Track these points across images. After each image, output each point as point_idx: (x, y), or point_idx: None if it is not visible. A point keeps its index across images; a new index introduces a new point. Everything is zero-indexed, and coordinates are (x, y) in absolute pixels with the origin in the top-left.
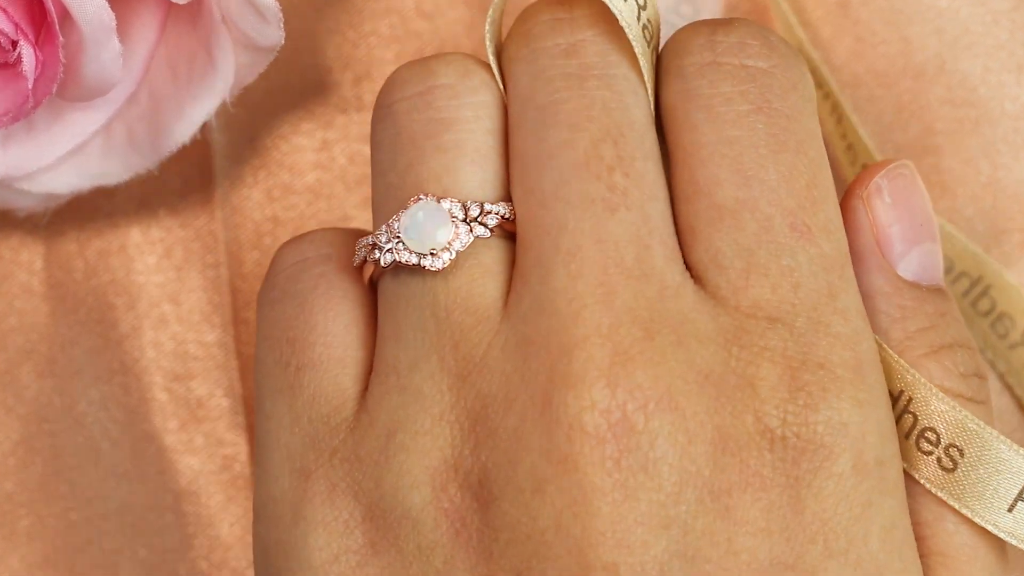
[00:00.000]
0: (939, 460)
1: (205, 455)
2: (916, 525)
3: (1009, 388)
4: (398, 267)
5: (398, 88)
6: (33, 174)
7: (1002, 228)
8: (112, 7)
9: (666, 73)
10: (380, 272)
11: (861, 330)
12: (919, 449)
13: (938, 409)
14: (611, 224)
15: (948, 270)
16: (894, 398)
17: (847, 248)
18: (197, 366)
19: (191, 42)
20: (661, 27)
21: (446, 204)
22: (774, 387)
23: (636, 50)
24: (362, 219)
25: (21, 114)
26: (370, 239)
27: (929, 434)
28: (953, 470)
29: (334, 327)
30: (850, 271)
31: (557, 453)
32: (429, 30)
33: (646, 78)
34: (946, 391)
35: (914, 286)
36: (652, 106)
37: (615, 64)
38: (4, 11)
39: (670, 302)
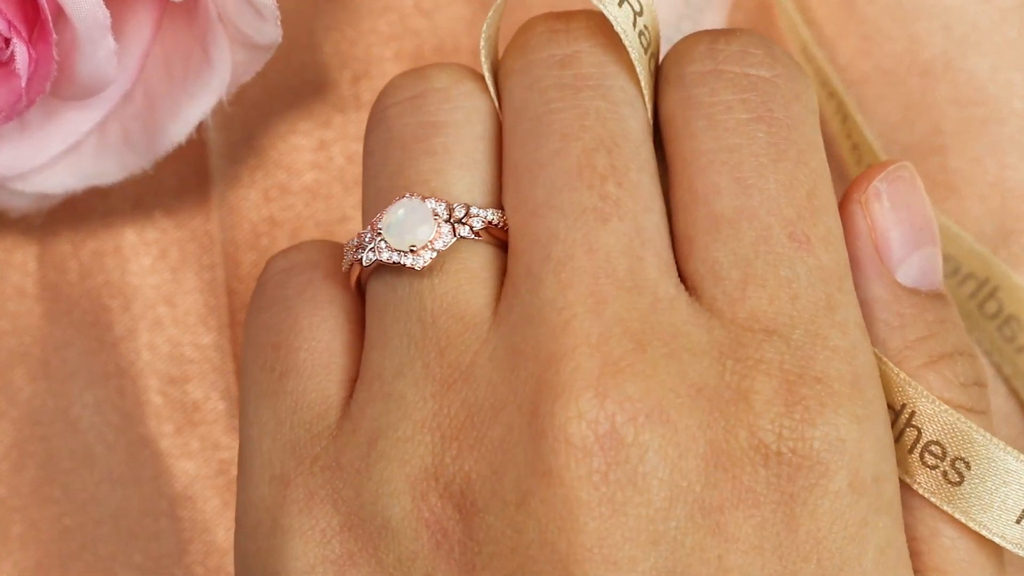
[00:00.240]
0: (945, 474)
1: (201, 459)
2: (911, 540)
3: (1015, 392)
4: (383, 268)
5: (392, 94)
6: (26, 174)
7: (1010, 229)
8: (107, 4)
9: (666, 82)
10: (367, 275)
11: (859, 344)
12: (923, 463)
13: (944, 422)
14: (603, 234)
15: (955, 272)
16: (895, 412)
17: (847, 260)
18: (193, 369)
19: (187, 40)
20: (661, 45)
21: (430, 203)
22: (769, 401)
23: (632, 56)
24: (360, 219)
25: (14, 113)
26: (355, 240)
27: (934, 448)
28: (960, 483)
29: (319, 332)
30: (849, 283)
31: (542, 465)
32: (428, 28)
33: (644, 86)
34: (946, 403)
35: (913, 293)
36: (650, 117)
37: (612, 75)
38: None
39: (663, 314)
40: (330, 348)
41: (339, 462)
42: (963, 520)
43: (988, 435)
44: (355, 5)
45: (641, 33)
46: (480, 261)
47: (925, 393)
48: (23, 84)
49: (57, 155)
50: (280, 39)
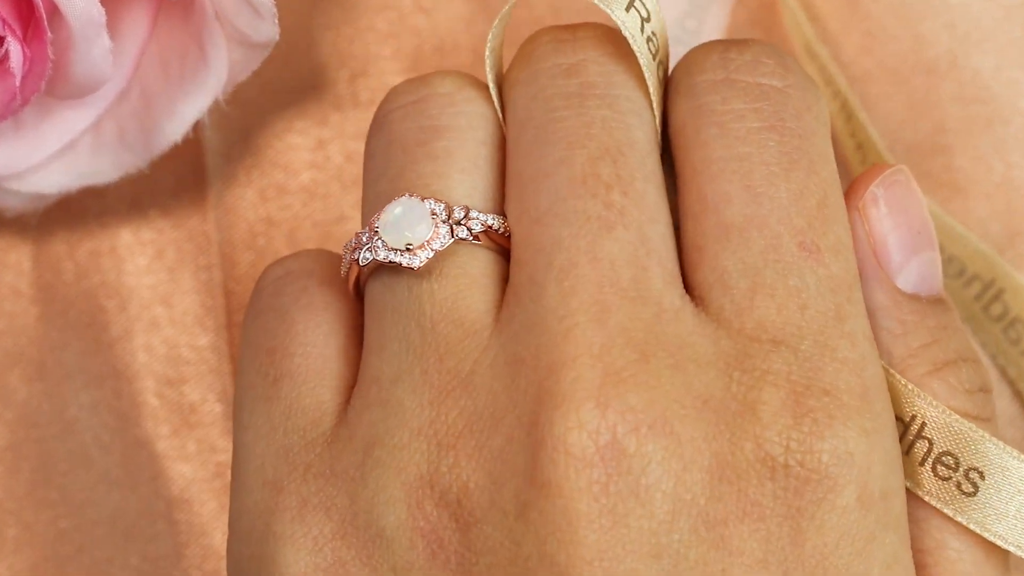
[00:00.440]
0: (959, 485)
1: (198, 462)
2: (917, 552)
3: (1021, 395)
4: (381, 270)
5: (394, 99)
6: (21, 173)
7: (1016, 229)
8: (102, 2)
9: (676, 92)
10: (365, 277)
11: (868, 355)
12: (936, 475)
13: (956, 432)
14: (607, 242)
15: (960, 273)
16: (904, 424)
17: (856, 270)
18: (190, 370)
19: (183, 38)
20: (667, 44)
21: (429, 203)
22: (777, 413)
23: (640, 62)
24: (358, 219)
25: (8, 112)
26: (353, 240)
27: (947, 459)
28: (974, 494)
29: (314, 337)
30: (859, 294)
31: (540, 476)
32: (427, 26)
33: (652, 92)
34: (952, 411)
35: (914, 298)
36: (658, 126)
37: (618, 84)
38: None
39: (668, 325)
40: (324, 354)
41: (334, 469)
42: (978, 531)
43: (1001, 443)
44: (353, 3)
45: (649, 39)
46: (480, 266)
47: (936, 404)
48: (17, 83)
49: (52, 154)
50: (277, 37)
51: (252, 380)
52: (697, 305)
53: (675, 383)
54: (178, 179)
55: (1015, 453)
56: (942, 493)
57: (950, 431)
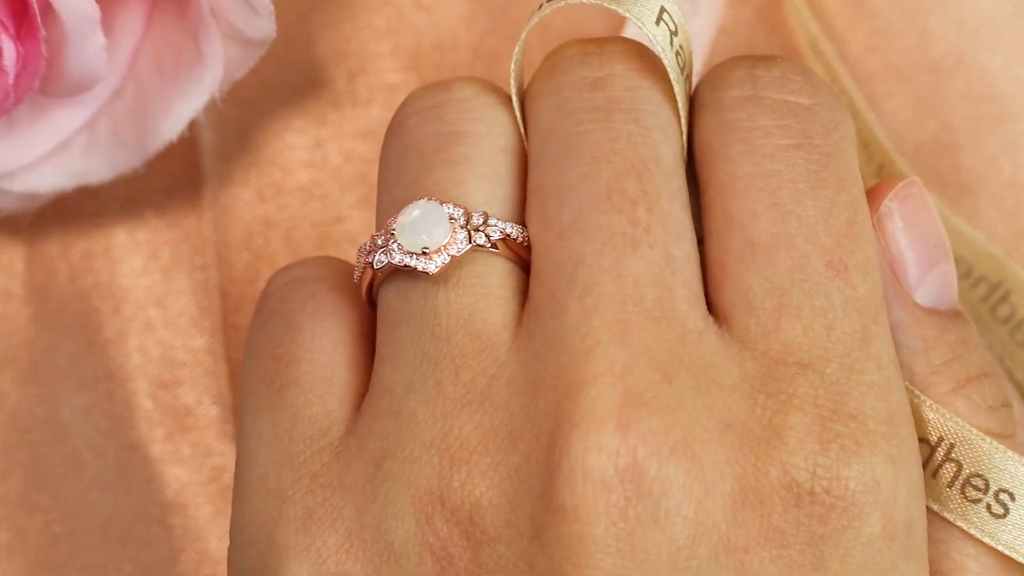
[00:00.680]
0: (988, 507)
1: (193, 465)
2: (935, 574)
3: None
4: (396, 275)
5: (411, 104)
6: (14, 173)
7: None
8: None
9: (702, 107)
10: (379, 283)
11: (894, 379)
12: (965, 497)
13: (985, 454)
14: (631, 260)
15: (967, 274)
16: (931, 446)
17: (882, 291)
18: (184, 373)
19: (178, 35)
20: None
21: (447, 208)
22: (803, 438)
23: (671, 76)
24: (357, 219)
25: (2, 111)
26: (368, 243)
27: (976, 481)
28: (1004, 516)
29: (321, 344)
30: (884, 315)
31: (556, 498)
32: (426, 23)
33: (680, 107)
34: (976, 429)
35: (933, 313)
36: (684, 143)
37: (644, 100)
38: None
39: (692, 346)
40: (333, 361)
41: (341, 480)
42: (1009, 554)
43: None
44: (351, 0)
45: (677, 53)
46: (497, 277)
47: (964, 425)
48: (10, 81)
49: (46, 154)
50: (274, 34)
51: (257, 387)
52: (721, 325)
53: (698, 406)
54: (173, 179)
55: None
56: (972, 516)
57: (979, 452)
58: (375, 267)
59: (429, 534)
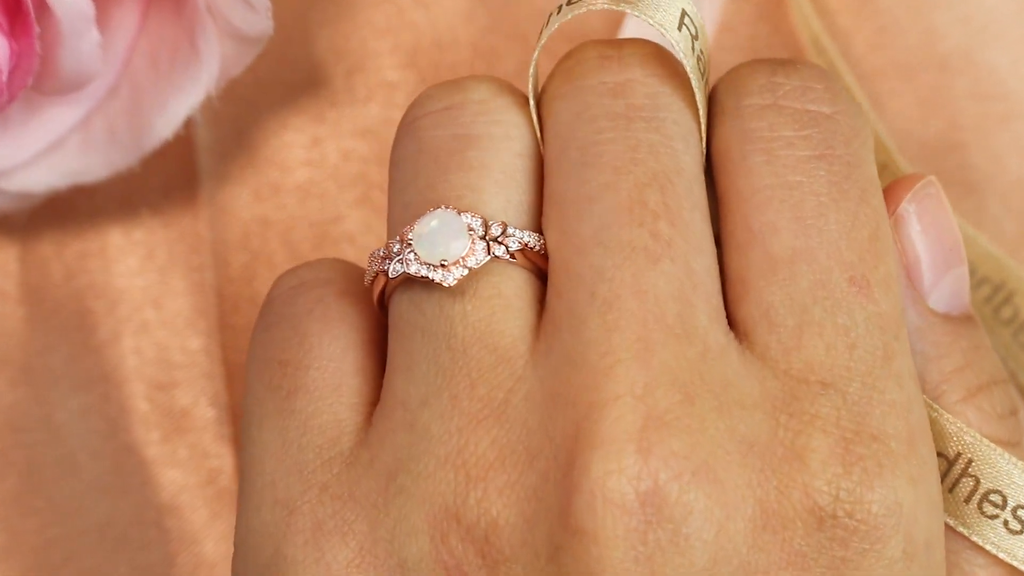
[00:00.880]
0: (1006, 523)
1: (189, 468)
2: None
3: None
4: (409, 284)
5: (424, 104)
6: (8, 172)
7: None
8: None
9: (721, 113)
10: (392, 290)
11: (914, 396)
12: (982, 513)
13: (1004, 470)
14: (653, 275)
15: (969, 274)
16: (948, 461)
17: (903, 304)
18: (181, 374)
19: (174, 32)
20: None
21: (466, 218)
22: (826, 461)
23: (693, 83)
24: (355, 218)
25: None
26: (382, 250)
27: (994, 496)
28: (1021, 532)
29: (330, 351)
30: (904, 329)
31: (575, 521)
32: (426, 20)
33: (701, 115)
34: (985, 438)
35: (947, 319)
36: (704, 149)
37: (665, 107)
38: None
39: (713, 364)
40: (342, 368)
41: (352, 493)
42: None
43: None
44: None
45: (699, 58)
46: (514, 287)
47: (985, 442)
48: (4, 79)
49: (40, 152)
50: (271, 31)
51: (262, 393)
52: (741, 341)
53: (720, 427)
54: (169, 178)
55: None
56: (988, 532)
57: (997, 469)
58: (390, 276)
59: (444, 552)
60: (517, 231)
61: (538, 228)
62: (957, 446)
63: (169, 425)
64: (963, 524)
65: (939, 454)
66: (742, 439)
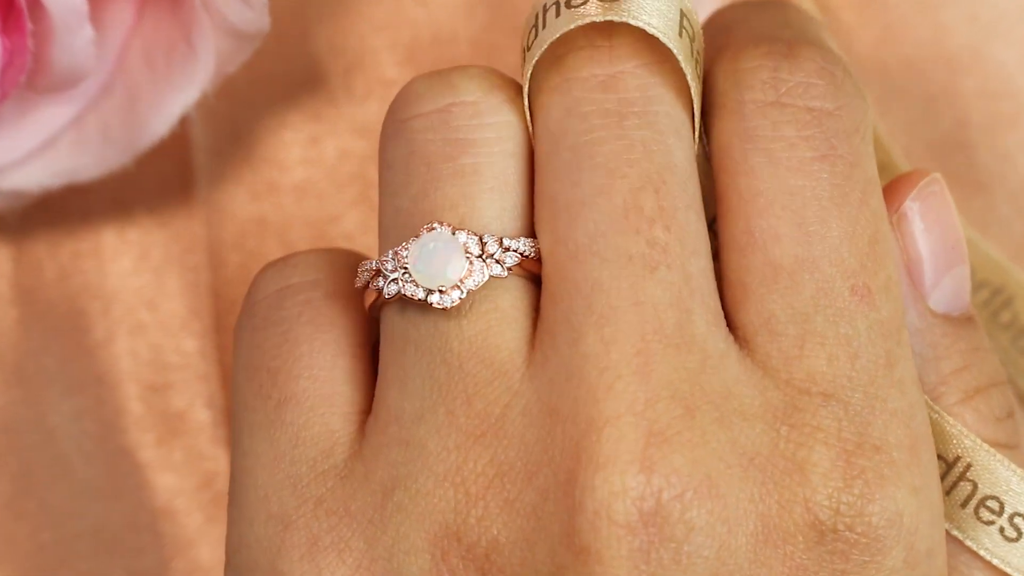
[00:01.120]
0: (1002, 530)
1: (184, 471)
2: None
3: None
4: (404, 301)
5: (414, 103)
6: (0, 171)
7: None
8: None
9: (721, 107)
10: (384, 303)
11: (916, 402)
12: (979, 519)
13: (1002, 476)
14: (650, 284)
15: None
16: (947, 464)
17: (904, 308)
18: (176, 376)
19: (169, 29)
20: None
21: (461, 237)
22: (827, 474)
23: (691, 88)
24: (353, 218)
25: None
26: (374, 264)
27: (991, 503)
28: (1017, 540)
29: (321, 359)
30: (906, 334)
31: (579, 541)
32: (425, 16)
33: (696, 114)
34: (983, 441)
35: (947, 319)
36: (697, 139)
37: (657, 100)
38: None
39: (713, 373)
40: (333, 377)
41: (348, 508)
42: None
43: None
44: None
45: (697, 61)
46: (510, 299)
47: (984, 446)
48: None
49: (32, 151)
50: (268, 28)
51: (252, 401)
52: (741, 347)
53: (721, 439)
54: (164, 176)
55: None
56: (984, 538)
57: (996, 475)
58: (386, 296)
59: (445, 571)
60: (512, 242)
61: (531, 230)
62: (956, 449)
63: (164, 428)
64: (959, 528)
65: (938, 456)
66: (743, 451)
